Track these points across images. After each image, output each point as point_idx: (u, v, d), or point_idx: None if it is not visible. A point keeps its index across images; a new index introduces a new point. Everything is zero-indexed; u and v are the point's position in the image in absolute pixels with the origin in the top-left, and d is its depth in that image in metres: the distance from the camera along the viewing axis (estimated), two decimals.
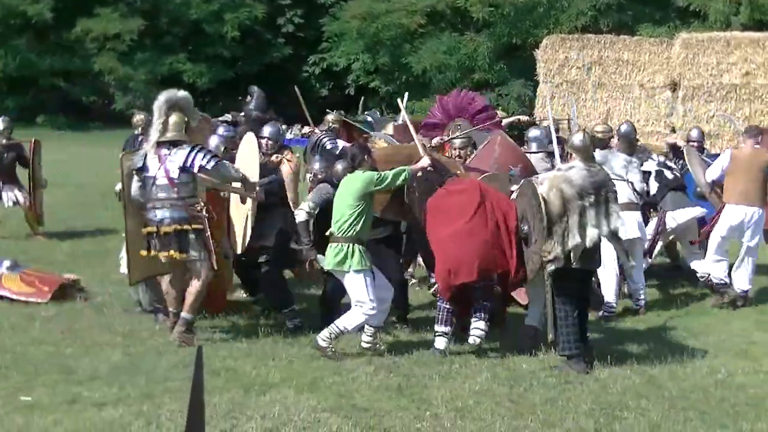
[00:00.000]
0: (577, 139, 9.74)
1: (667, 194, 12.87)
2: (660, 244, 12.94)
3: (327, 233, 9.64)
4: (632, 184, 11.80)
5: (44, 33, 34.24)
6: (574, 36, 27.18)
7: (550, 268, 9.25)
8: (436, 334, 9.68)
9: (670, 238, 13.07)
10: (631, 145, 12.72)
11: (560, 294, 9.40)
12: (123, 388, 8.31)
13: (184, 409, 7.67)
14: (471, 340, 9.58)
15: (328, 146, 14.20)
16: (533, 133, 12.58)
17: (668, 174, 13.10)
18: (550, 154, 12.01)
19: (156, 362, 9.05)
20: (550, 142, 12.33)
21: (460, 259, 9.42)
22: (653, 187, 12.89)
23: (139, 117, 15.41)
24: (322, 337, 9.46)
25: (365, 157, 9.86)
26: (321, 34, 34.18)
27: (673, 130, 24.41)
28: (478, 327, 9.57)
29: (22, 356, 9.33)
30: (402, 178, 9.76)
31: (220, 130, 12.62)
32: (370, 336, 9.69)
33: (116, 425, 7.54)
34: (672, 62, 25.31)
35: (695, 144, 14.60)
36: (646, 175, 12.90)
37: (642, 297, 11.83)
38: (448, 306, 9.66)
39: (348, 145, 13.40)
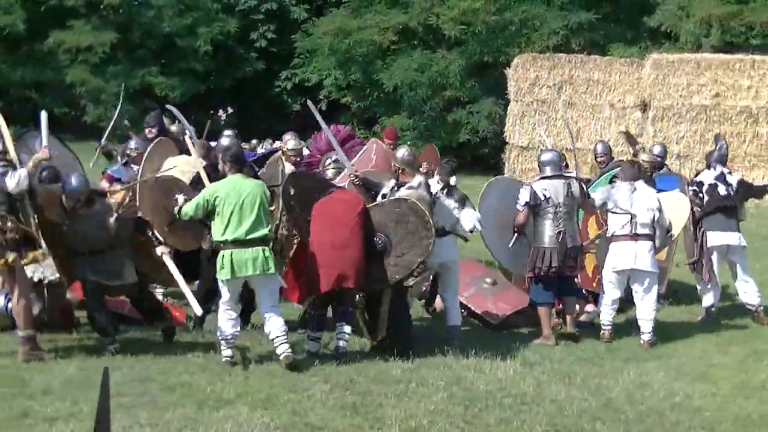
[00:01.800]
0: (400, 153, 10.94)
1: (714, 212, 12.62)
2: (714, 263, 12.60)
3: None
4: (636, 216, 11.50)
5: (16, 44, 34.08)
6: (545, 55, 27.24)
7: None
8: (310, 338, 10.27)
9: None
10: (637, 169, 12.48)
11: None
12: (75, 403, 8.25)
13: (135, 424, 7.70)
14: (341, 343, 10.13)
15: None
16: (546, 156, 11.99)
17: (722, 189, 12.71)
18: (567, 177, 11.89)
19: (110, 377, 8.97)
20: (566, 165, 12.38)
21: (345, 266, 9.95)
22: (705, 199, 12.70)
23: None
24: (289, 352, 9.66)
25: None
26: (293, 49, 34.12)
27: (643, 150, 24.48)
28: (344, 332, 10.18)
29: None
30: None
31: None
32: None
33: None
34: (642, 83, 25.39)
35: (601, 158, 14.66)
36: (699, 185, 12.80)
37: (650, 332, 11.47)
38: (319, 313, 10.32)
39: None
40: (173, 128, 14.89)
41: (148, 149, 12.44)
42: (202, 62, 34.73)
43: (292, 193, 10.46)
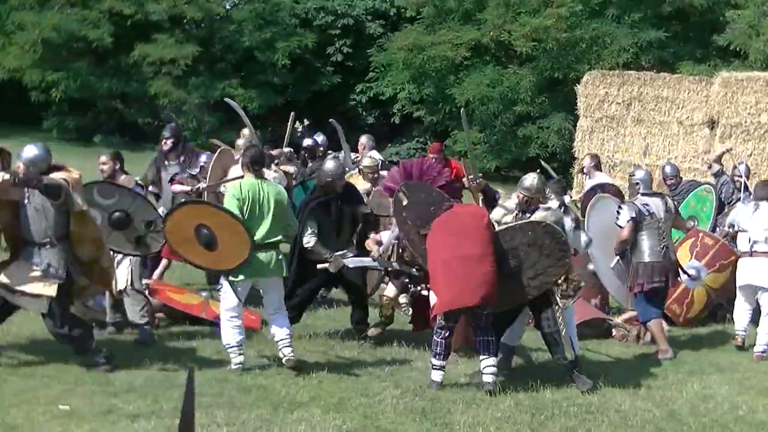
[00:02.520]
0: (529, 182, 10.02)
1: None
2: None
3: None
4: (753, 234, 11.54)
5: (104, 57, 34.50)
6: (614, 72, 27.05)
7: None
8: (433, 366, 9.40)
9: None
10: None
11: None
12: (157, 401, 8.40)
13: (212, 423, 7.82)
14: (486, 378, 9.28)
15: None
16: (640, 174, 11.86)
17: None
18: (662, 195, 11.83)
19: None
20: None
21: (478, 282, 9.16)
22: None
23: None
24: (292, 354, 9.64)
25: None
26: (369, 63, 34.23)
27: (710, 167, 24.24)
28: (488, 365, 9.34)
29: (63, 367, 9.44)
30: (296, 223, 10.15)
31: None
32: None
33: None
34: (711, 100, 25.10)
35: (670, 180, 14.49)
36: None
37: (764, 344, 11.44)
38: (443, 339, 9.38)
39: None
40: (239, 142, 14.57)
41: (213, 159, 12.70)
42: (280, 75, 34.92)
43: (405, 203, 9.95)
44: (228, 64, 35.51)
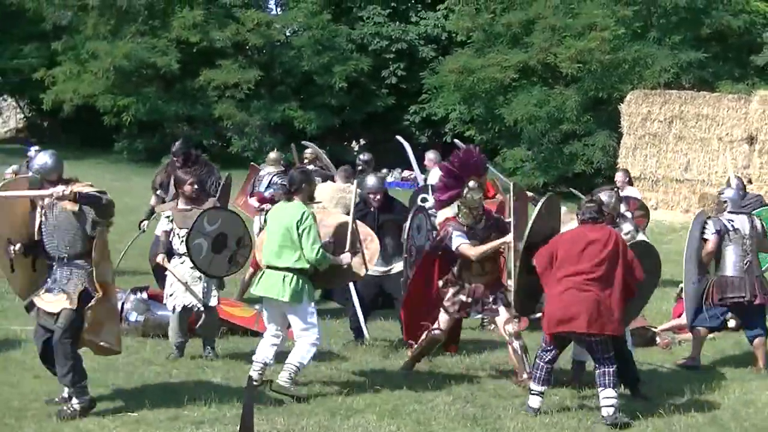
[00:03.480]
0: (606, 198, 9.59)
1: None
2: None
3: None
4: None
5: (171, 82, 34.81)
6: (656, 91, 26.91)
7: None
8: (531, 392, 8.73)
9: None
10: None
11: None
12: (220, 409, 8.40)
13: (273, 429, 7.80)
14: (605, 412, 8.47)
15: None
16: (729, 193, 11.27)
17: None
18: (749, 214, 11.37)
19: None
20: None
21: (581, 306, 8.45)
22: None
23: (277, 154, 15.38)
24: (283, 379, 8.90)
25: (303, 184, 9.14)
26: (421, 86, 34.27)
27: (750, 182, 23.94)
28: (608, 396, 8.51)
29: (132, 375, 9.50)
30: (315, 251, 8.89)
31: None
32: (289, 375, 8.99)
33: None
34: (750, 117, 24.86)
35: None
36: None
37: None
38: (546, 364, 8.71)
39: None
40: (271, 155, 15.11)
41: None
42: (337, 97, 35.04)
43: (543, 214, 9.21)
44: (288, 88, 35.69)
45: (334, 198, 12.06)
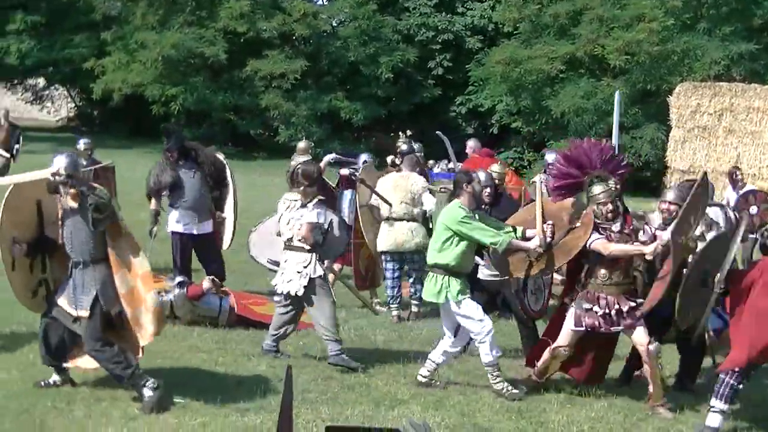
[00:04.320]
0: (672, 196, 9.26)
1: None
2: None
3: None
4: None
5: (218, 72, 34.97)
6: (706, 84, 26.63)
7: None
8: (712, 409, 8.05)
9: None
10: None
11: None
12: (265, 397, 8.44)
13: (317, 419, 7.82)
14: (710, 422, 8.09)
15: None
16: None
17: None
18: None
19: (296, 375, 9.08)
20: None
21: None
22: None
23: (306, 143, 15.35)
24: (422, 374, 9.13)
25: (465, 185, 9.03)
26: (468, 77, 34.20)
27: None
28: (718, 408, 8.07)
29: (179, 362, 9.54)
30: (491, 240, 8.77)
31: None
32: (429, 371, 9.17)
33: (257, 431, 7.67)
34: None
35: None
36: None
37: None
38: (735, 383, 7.98)
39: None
40: (301, 145, 15.08)
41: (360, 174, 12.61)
42: (384, 88, 35.04)
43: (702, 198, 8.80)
44: (334, 78, 35.74)
45: (399, 186, 12.06)
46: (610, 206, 8.86)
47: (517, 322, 10.30)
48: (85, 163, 13.78)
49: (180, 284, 11.18)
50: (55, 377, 8.60)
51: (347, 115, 34.31)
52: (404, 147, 14.06)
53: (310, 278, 9.48)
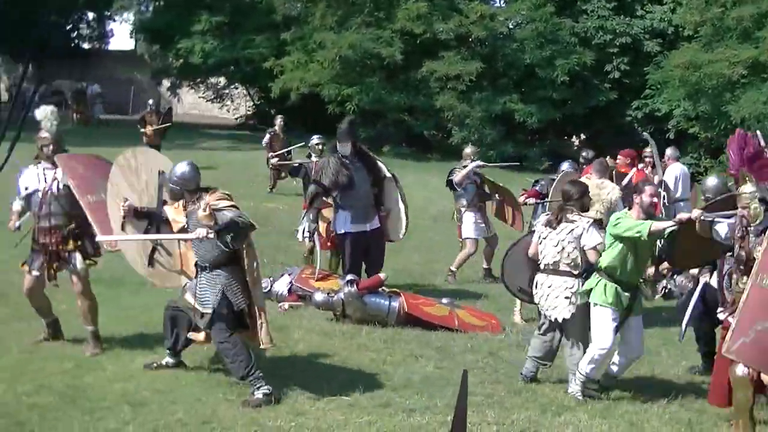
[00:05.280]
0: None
1: None
2: None
3: None
4: None
5: (394, 72, 35.23)
6: None
7: None
8: None
9: None
10: None
11: None
12: (432, 398, 8.46)
13: (483, 422, 7.81)
14: None
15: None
16: None
17: None
18: None
19: None
20: None
21: None
22: None
23: (472, 149, 15.35)
24: (573, 390, 8.90)
25: (634, 196, 9.06)
26: (645, 81, 33.55)
27: None
28: None
29: (347, 360, 9.67)
30: (634, 231, 8.63)
31: None
32: (578, 384, 8.88)
33: (423, 431, 7.71)
34: None
35: None
36: None
37: None
38: None
39: None
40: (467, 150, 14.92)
41: (557, 178, 12.27)
42: (559, 91, 34.69)
43: None
44: (509, 80, 35.58)
45: (592, 195, 11.66)
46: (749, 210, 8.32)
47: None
48: (314, 158, 14.49)
49: (350, 282, 11.33)
50: (168, 359, 8.96)
51: (521, 117, 34.11)
52: (589, 154, 13.83)
53: (577, 306, 9.00)
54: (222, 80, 43.95)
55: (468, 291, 13.39)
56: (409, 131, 36.03)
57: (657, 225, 8.75)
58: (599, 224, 9.13)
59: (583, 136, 38.26)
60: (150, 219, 8.85)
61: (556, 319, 9.08)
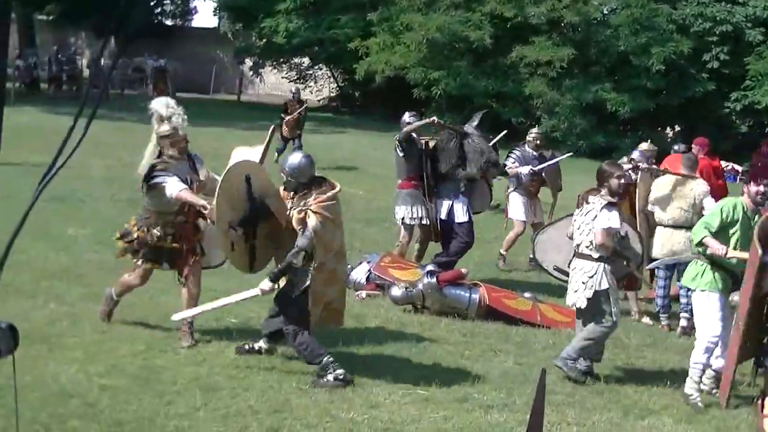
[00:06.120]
0: None
1: None
2: None
3: None
4: None
5: (482, 57, 35.09)
6: None
7: None
8: None
9: None
10: None
11: None
12: (510, 395, 8.39)
13: (563, 422, 7.72)
14: None
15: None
16: None
17: None
18: None
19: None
20: None
21: None
22: None
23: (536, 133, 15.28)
24: (687, 389, 8.75)
25: (744, 186, 9.14)
26: (746, 71, 32.97)
27: None
28: None
29: (424, 352, 9.62)
30: (696, 232, 8.86)
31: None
32: (710, 379, 8.85)
33: (500, 429, 7.63)
34: None
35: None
36: None
37: None
38: None
39: None
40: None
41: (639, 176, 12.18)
42: (653, 80, 34.22)
43: None
44: (602, 68, 35.22)
45: (677, 190, 11.43)
46: None
47: None
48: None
49: (430, 273, 11.29)
50: (261, 344, 8.98)
51: (613, 106, 33.74)
52: (681, 147, 13.61)
53: (595, 291, 8.92)
54: (306, 60, 44.08)
55: (550, 284, 13.26)
56: (496, 118, 35.83)
57: (709, 241, 8.70)
58: (613, 206, 9.00)
59: (677, 128, 37.70)
60: (245, 227, 8.73)
61: (575, 304, 9.10)
